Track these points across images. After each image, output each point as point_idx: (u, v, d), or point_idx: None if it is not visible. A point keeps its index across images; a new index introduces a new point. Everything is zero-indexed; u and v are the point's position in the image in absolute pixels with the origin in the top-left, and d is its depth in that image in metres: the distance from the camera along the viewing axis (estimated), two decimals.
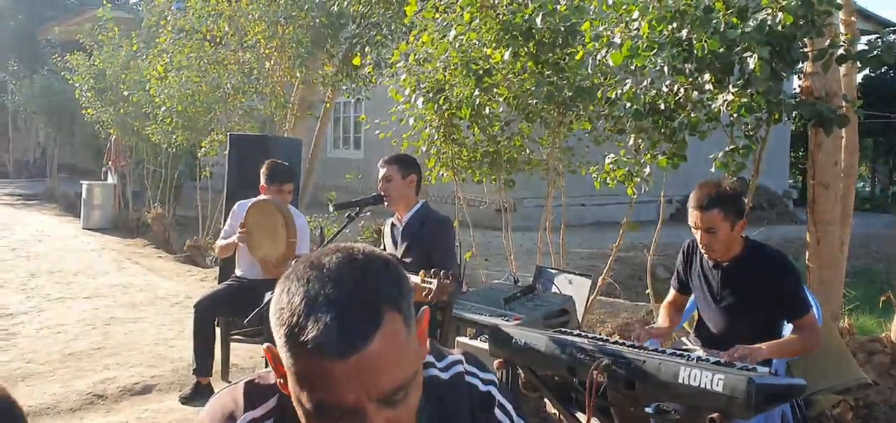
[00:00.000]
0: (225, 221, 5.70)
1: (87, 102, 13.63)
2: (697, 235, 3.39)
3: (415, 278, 3.50)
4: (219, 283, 6.02)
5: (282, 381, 1.25)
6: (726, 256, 3.42)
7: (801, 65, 4.51)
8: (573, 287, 4.90)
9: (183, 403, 5.13)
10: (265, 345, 1.31)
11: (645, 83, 4.37)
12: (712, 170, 4.21)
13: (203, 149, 10.41)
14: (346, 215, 4.16)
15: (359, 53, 8.82)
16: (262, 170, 5.27)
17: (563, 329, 3.61)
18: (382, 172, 4.40)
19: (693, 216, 3.35)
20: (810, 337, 3.28)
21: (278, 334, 1.18)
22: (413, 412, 1.22)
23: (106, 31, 13.31)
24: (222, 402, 1.38)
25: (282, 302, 1.17)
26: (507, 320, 4.25)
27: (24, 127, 25.17)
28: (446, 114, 5.83)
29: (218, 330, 5.44)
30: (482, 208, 10.80)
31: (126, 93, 12.27)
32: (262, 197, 5.18)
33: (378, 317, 1.15)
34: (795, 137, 19.14)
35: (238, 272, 5.52)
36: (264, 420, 1.34)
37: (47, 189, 19.59)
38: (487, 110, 5.74)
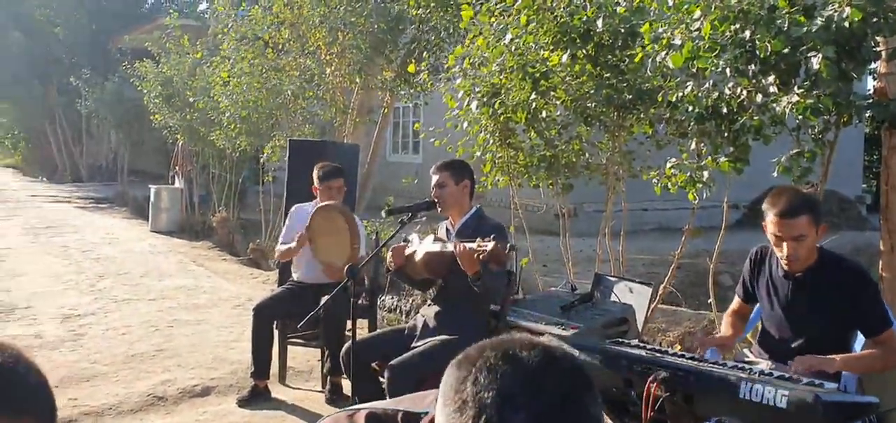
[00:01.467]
0: (282, 225, 5.75)
1: (155, 108, 14.00)
2: (780, 243, 3.20)
3: (470, 244, 3.55)
4: (278, 286, 6.10)
5: None
6: (802, 267, 3.26)
7: (873, 64, 4.32)
8: (633, 295, 4.81)
9: (240, 406, 5.18)
10: (427, 415, 1.21)
11: (707, 86, 4.23)
12: (775, 174, 4.04)
13: (265, 154, 10.56)
14: (400, 219, 4.14)
15: (415, 60, 8.82)
16: (314, 173, 5.40)
17: (622, 339, 3.52)
18: (435, 178, 4.37)
19: (775, 224, 3.16)
20: (890, 354, 3.09)
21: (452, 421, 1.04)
22: None
23: (173, 38, 13.63)
24: None
25: (465, 393, 1.03)
26: (563, 329, 4.16)
27: (96, 133, 25.98)
28: (502, 118, 5.77)
29: (276, 334, 5.48)
30: (540, 214, 10.67)
31: (192, 99, 12.55)
32: (326, 202, 5.25)
33: None
34: (869, 141, 18.49)
35: (295, 276, 5.56)
36: None
37: (118, 193, 20.15)
38: (544, 114, 5.66)
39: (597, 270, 5.60)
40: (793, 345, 3.31)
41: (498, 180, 6.16)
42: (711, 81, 4.19)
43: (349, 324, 3.93)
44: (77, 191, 21.72)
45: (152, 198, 14.66)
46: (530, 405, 1.00)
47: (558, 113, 5.78)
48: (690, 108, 4.31)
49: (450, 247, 3.90)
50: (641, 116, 5.57)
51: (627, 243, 6.20)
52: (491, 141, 5.95)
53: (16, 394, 1.10)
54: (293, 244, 5.32)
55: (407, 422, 1.28)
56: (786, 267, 3.28)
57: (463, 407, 1.02)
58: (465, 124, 5.93)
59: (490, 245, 3.49)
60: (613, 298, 4.80)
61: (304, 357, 6.15)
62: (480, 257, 3.52)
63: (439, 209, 4.31)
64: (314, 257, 5.29)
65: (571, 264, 6.18)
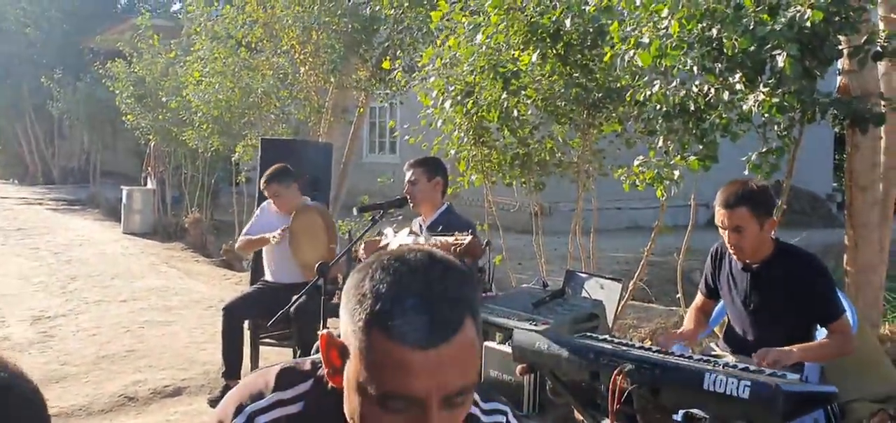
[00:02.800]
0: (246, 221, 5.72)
1: (128, 108, 13.87)
2: (725, 235, 3.30)
3: (447, 238, 3.68)
4: (250, 286, 6.06)
5: (331, 370, 1.29)
6: (755, 257, 3.32)
7: (837, 63, 4.40)
8: (604, 292, 4.85)
9: (212, 406, 5.13)
10: (324, 331, 1.33)
11: (674, 84, 4.30)
12: (745, 172, 4.10)
13: (237, 154, 10.52)
14: (372, 217, 4.18)
15: (389, 58, 8.83)
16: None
17: (591, 334, 3.55)
18: (408, 174, 4.47)
19: (719, 215, 3.27)
20: (843, 342, 3.17)
21: (357, 319, 1.20)
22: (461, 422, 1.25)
23: (145, 38, 13.53)
24: (254, 380, 1.42)
25: (364, 288, 1.20)
26: (534, 325, 4.19)
27: (68, 134, 25.69)
28: (475, 117, 5.81)
29: (247, 333, 5.48)
30: (514, 212, 10.73)
31: (164, 99, 12.44)
32: (306, 203, 5.31)
33: (461, 317, 1.20)
34: (839, 140, 18.74)
35: (267, 276, 5.54)
36: (292, 403, 1.37)
37: (90, 195, 19.94)
38: (516, 113, 5.71)
39: (569, 267, 5.63)
40: (753, 337, 3.36)
41: (472, 179, 6.22)
42: (679, 79, 4.26)
43: (324, 323, 3.95)
44: (49, 193, 21.46)
45: (125, 199, 14.52)
46: (417, 289, 1.18)
47: (530, 112, 5.84)
48: (658, 106, 4.38)
49: (423, 240, 3.98)
50: (611, 114, 5.66)
51: (600, 241, 6.26)
52: (465, 139, 6.00)
53: (10, 414, 1.11)
54: (273, 236, 5.26)
55: (316, 366, 1.39)
56: (734, 258, 3.34)
57: (362, 300, 1.19)
58: (440, 123, 6.00)
59: (468, 239, 3.61)
60: (584, 294, 4.85)
61: (277, 357, 6.13)
62: (457, 250, 3.60)
63: (411, 205, 4.39)
64: (293, 258, 5.29)
65: (544, 262, 6.24)
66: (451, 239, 3.71)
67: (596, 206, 6.32)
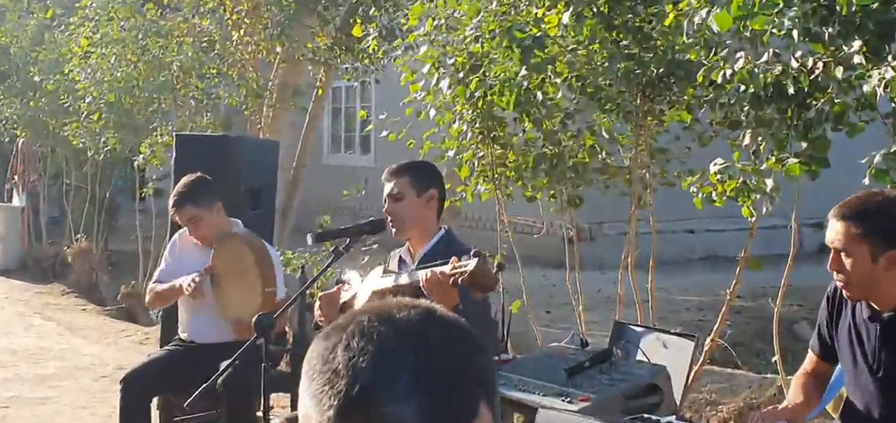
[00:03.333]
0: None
1: None
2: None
3: (442, 268, 3.64)
4: (160, 347, 6.04)
5: None
6: (879, 300, 3.32)
7: None
8: (669, 353, 4.85)
9: None
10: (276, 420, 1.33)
11: (766, 56, 4.27)
12: (866, 181, 4.10)
13: (142, 155, 10.42)
14: (334, 248, 4.19)
15: (359, 19, 8.84)
16: None
17: (651, 415, 3.56)
18: (389, 187, 4.37)
19: (828, 232, 3.30)
20: None
21: (325, 406, 1.19)
22: None
23: None
24: None
25: (336, 362, 1.20)
26: (569, 402, 4.15)
27: None
28: (483, 103, 5.78)
29: (156, 415, 5.43)
30: (540, 238, 10.63)
31: (37, 79, 12.41)
32: (227, 230, 5.28)
33: (473, 403, 1.21)
34: None
35: (184, 334, 5.53)
36: None
37: None
38: (541, 96, 5.70)
39: (618, 317, 5.63)
40: (879, 414, 3.35)
41: (480, 190, 6.16)
42: (772, 51, 4.22)
43: (265, 400, 3.94)
44: None
45: None
46: (412, 363, 1.18)
47: (560, 95, 5.82)
48: (743, 87, 4.35)
49: (406, 278, 3.94)
50: (676, 99, 5.65)
51: (663, 279, 6.49)
52: (469, 134, 5.97)
53: None
54: (186, 284, 5.25)
55: None
56: (861, 303, 3.34)
57: (334, 379, 1.18)
58: (433, 111, 5.95)
59: (472, 264, 3.52)
60: (640, 356, 4.83)
61: None
62: (459, 280, 3.54)
63: (393, 231, 4.31)
64: (220, 315, 5.31)
65: (582, 309, 6.17)
66: (446, 268, 3.64)
67: (656, 227, 6.21)
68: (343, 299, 4.31)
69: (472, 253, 3.62)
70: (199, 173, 5.47)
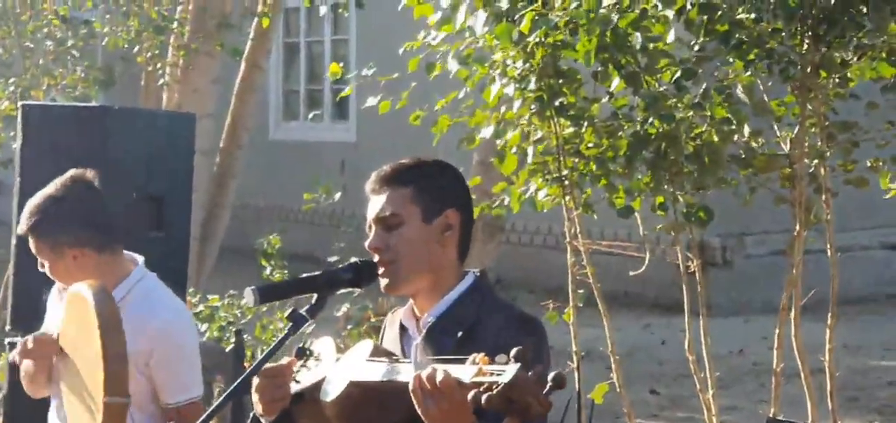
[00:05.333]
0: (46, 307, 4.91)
1: None
2: None
3: (456, 370, 2.96)
4: None
5: None
6: None
7: None
8: None
9: None
10: None
11: None
12: None
13: None
14: (288, 316, 3.32)
15: None
16: None
17: None
18: (375, 204, 3.48)
19: None
20: None
21: None
22: None
23: None
24: None
25: None
26: None
27: None
28: (541, 48, 5.13)
29: None
30: (641, 271, 9.40)
31: None
32: (78, 286, 4.41)
33: None
34: None
35: None
36: None
37: None
38: (640, 39, 5.05)
39: (773, 408, 5.40)
40: None
41: (534, 193, 5.54)
42: None
43: None
44: None
45: None
46: None
47: (674, 36, 5.18)
48: None
49: (408, 373, 3.16)
50: (868, 42, 5.13)
51: (846, 331, 5.98)
52: (517, 102, 5.35)
53: None
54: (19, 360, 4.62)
55: None
56: None
57: None
58: (454, 62, 5.36)
59: (508, 374, 2.74)
60: None
61: None
62: (484, 401, 2.78)
63: (383, 281, 3.50)
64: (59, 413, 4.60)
65: (713, 386, 5.44)
66: (471, 370, 2.88)
67: (833, 246, 5.34)
68: (297, 386, 3.49)
69: (513, 355, 2.79)
70: (55, 181, 4.59)
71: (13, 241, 6.08)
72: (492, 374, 2.76)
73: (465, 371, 2.85)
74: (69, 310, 4.45)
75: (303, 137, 16.07)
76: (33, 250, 4.60)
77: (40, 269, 4.69)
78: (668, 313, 8.37)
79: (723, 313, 6.61)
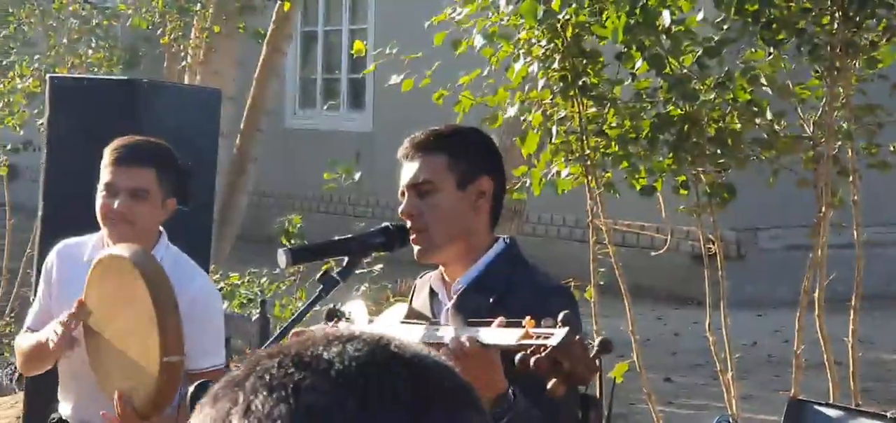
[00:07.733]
0: (36, 286, 5.16)
1: None
2: None
3: (505, 334, 3.02)
4: None
5: None
6: None
7: None
8: None
9: None
10: None
11: None
12: None
13: None
14: (319, 278, 3.43)
15: None
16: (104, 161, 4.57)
17: None
18: (409, 170, 3.59)
19: None
20: None
21: None
22: None
23: None
24: None
25: None
26: None
27: None
28: (567, 27, 5.22)
29: None
30: (662, 255, 9.23)
31: None
32: (112, 249, 4.41)
33: None
34: None
35: (65, 412, 4.80)
36: None
37: None
38: (667, 17, 5.08)
39: (794, 390, 5.38)
40: None
41: (556, 174, 5.57)
42: None
43: None
44: None
45: None
46: None
47: (700, 14, 5.33)
48: None
49: (449, 333, 3.27)
50: (894, 21, 5.19)
51: (869, 325, 6.19)
52: (542, 81, 5.45)
53: None
54: (51, 338, 4.45)
55: None
56: None
57: None
58: (479, 38, 5.41)
59: (558, 334, 2.80)
60: None
61: None
62: (533, 362, 2.81)
63: (415, 249, 3.61)
64: (97, 383, 4.53)
65: (733, 372, 5.47)
66: (518, 333, 2.96)
67: (859, 239, 5.34)
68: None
69: (560, 319, 2.83)
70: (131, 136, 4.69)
71: (39, 214, 6.15)
72: (539, 337, 2.80)
73: (511, 334, 2.88)
74: (100, 276, 4.38)
75: (319, 125, 16.13)
76: (133, 180, 4.45)
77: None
78: (680, 305, 8.39)
79: (736, 307, 6.63)
